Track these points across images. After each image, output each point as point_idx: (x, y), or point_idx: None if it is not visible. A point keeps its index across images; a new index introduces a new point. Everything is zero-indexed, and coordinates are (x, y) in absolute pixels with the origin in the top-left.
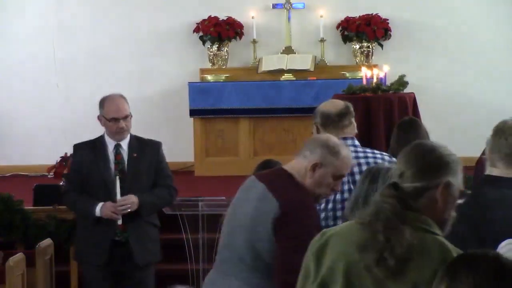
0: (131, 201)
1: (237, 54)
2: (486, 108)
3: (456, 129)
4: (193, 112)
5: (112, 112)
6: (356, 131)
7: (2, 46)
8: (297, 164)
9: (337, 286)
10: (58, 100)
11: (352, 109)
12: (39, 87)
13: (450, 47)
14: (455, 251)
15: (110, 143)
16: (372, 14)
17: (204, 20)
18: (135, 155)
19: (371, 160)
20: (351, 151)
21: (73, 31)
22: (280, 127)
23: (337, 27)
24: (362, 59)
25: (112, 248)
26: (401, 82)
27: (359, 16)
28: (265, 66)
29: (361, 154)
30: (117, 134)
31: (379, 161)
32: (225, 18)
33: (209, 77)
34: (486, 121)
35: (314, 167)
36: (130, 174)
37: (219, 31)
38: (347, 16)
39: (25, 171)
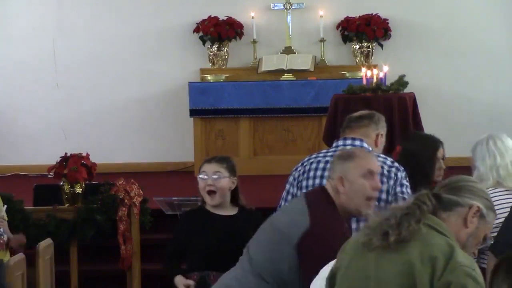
0: None
1: (237, 54)
2: (487, 108)
3: (456, 129)
4: (193, 112)
5: None
6: (372, 138)
7: (2, 46)
8: (329, 187)
9: (342, 268)
10: (58, 100)
11: (376, 118)
12: (39, 87)
13: (450, 47)
14: (464, 257)
15: None
16: (372, 14)
17: (204, 20)
18: None
19: None
20: None
21: (73, 31)
22: (280, 127)
23: (337, 27)
24: (362, 59)
25: None
26: (401, 82)
27: (359, 16)
28: (265, 66)
29: None
30: None
31: (378, 164)
32: (225, 18)
33: (209, 77)
34: (487, 121)
35: (341, 182)
36: None
37: (219, 31)
38: (347, 16)
39: (25, 171)
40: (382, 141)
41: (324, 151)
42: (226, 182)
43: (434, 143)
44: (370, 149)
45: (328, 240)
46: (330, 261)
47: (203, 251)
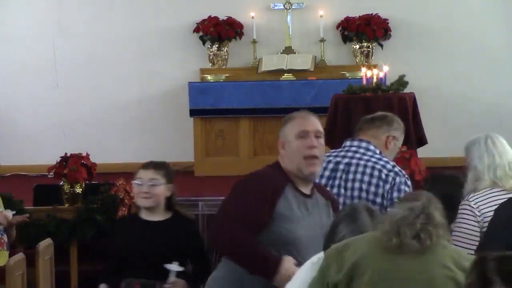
0: None
1: (237, 54)
2: (487, 108)
3: (456, 129)
4: (193, 112)
5: None
6: (381, 140)
7: (2, 46)
8: (279, 158)
9: (367, 274)
10: (58, 100)
11: (388, 120)
12: (39, 87)
13: (450, 47)
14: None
15: None
16: (372, 14)
17: (204, 20)
18: None
19: (370, 164)
20: (361, 153)
21: (73, 31)
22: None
23: (337, 27)
24: (362, 59)
25: None
26: (401, 82)
27: (359, 16)
28: (265, 66)
29: (365, 157)
30: None
31: (378, 166)
32: (225, 18)
33: (209, 77)
34: (487, 121)
35: (282, 146)
36: None
37: (219, 31)
38: (347, 16)
39: (25, 171)
40: (394, 143)
41: (331, 151)
42: (161, 189)
43: (459, 180)
44: (378, 151)
45: (252, 182)
46: (249, 199)
47: (132, 257)
